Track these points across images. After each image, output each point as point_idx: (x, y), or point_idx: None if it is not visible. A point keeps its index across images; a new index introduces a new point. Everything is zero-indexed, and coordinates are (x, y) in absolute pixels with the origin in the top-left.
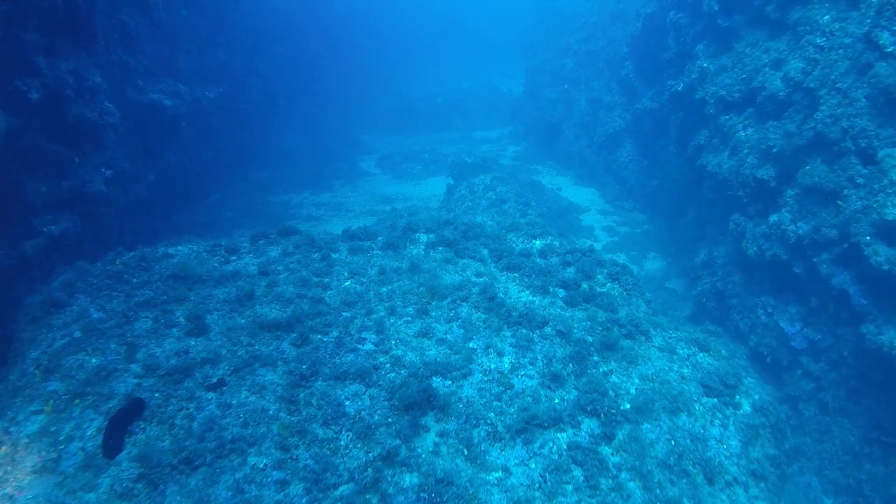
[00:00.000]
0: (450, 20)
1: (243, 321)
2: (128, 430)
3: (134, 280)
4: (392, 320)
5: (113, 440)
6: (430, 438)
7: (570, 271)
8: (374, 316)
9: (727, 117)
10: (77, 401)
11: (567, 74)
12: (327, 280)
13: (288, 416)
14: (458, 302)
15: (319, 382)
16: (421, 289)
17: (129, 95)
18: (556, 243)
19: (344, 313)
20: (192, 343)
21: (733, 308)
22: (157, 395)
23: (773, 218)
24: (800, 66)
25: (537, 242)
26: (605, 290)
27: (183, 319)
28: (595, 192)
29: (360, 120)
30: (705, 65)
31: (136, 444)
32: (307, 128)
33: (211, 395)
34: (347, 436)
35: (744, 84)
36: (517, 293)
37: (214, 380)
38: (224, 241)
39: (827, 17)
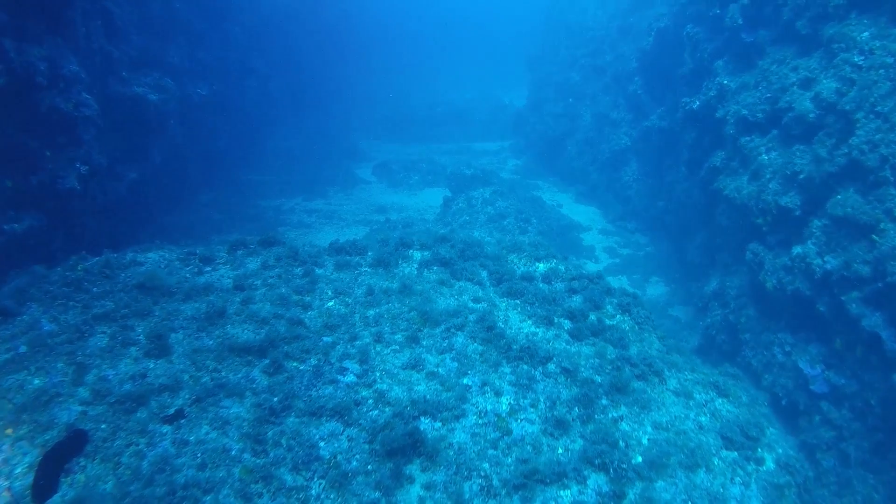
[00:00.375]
0: (455, 29)
1: (211, 342)
2: (65, 469)
3: (94, 289)
4: (378, 348)
5: (45, 480)
6: (415, 492)
7: (577, 300)
8: (358, 342)
9: (748, 138)
10: (9, 430)
11: (572, 89)
12: (308, 299)
13: (252, 459)
14: (452, 330)
15: (291, 418)
16: (412, 313)
17: (112, 87)
18: (562, 267)
19: (325, 338)
20: (151, 366)
21: (746, 344)
22: (103, 426)
23: (797, 250)
24: (833, 86)
25: (541, 266)
26: (614, 322)
27: (143, 338)
28: (597, 211)
29: (359, 125)
30: (725, 82)
31: (74, 485)
32: (304, 130)
33: (166, 428)
34: (320, 484)
35: (768, 104)
36: (518, 323)
37: (172, 410)
38: (200, 249)
39: (866, 35)
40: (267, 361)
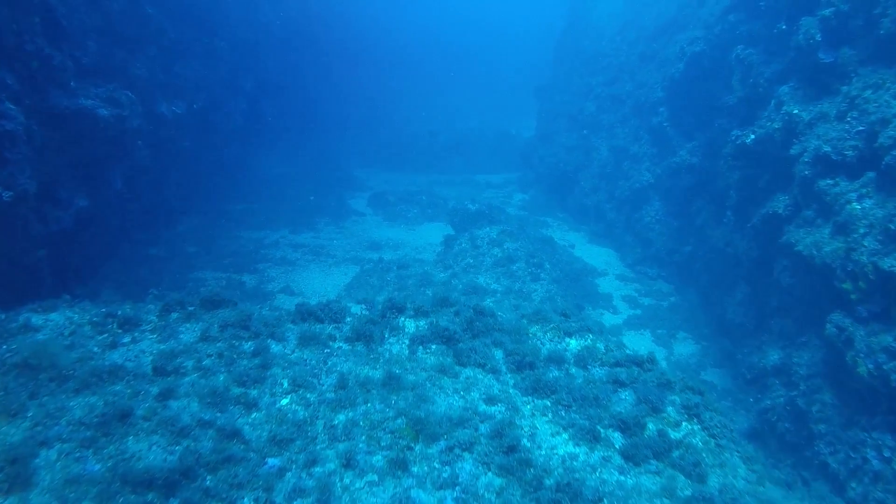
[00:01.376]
0: (459, 56)
1: (98, 468)
2: None
3: None
4: (347, 480)
5: None
6: None
7: (627, 398)
8: (317, 469)
9: (831, 182)
10: None
11: (587, 119)
12: (255, 393)
13: None
14: (456, 451)
15: None
16: (399, 420)
17: (53, 99)
18: (600, 346)
19: (270, 461)
20: None
21: (820, 437)
22: None
23: None
24: None
25: (573, 342)
26: (681, 435)
27: None
28: (612, 253)
29: (356, 152)
30: (795, 111)
31: None
32: (295, 156)
33: None
34: None
35: (862, 139)
36: (550, 438)
37: None
38: (124, 308)
39: None
40: None
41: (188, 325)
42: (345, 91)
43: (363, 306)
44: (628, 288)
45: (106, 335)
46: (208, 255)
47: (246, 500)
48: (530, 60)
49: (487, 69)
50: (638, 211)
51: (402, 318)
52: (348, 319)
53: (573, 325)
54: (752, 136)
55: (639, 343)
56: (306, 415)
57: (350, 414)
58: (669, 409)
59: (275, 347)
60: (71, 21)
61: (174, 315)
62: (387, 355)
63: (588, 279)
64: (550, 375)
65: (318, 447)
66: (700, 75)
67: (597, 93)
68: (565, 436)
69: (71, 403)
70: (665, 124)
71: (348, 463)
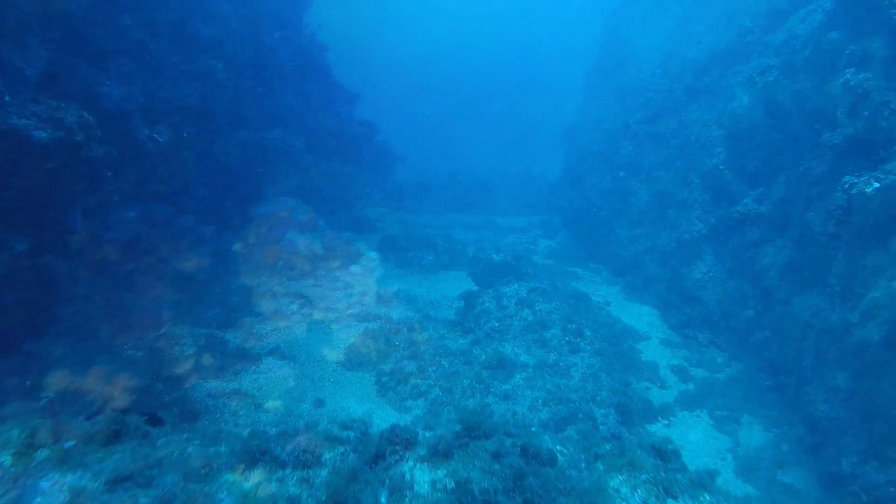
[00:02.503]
0: (482, 93)
1: None
2: None
3: None
4: None
5: None
6: None
7: None
8: None
9: None
10: None
11: (623, 160)
12: None
13: None
14: None
15: None
16: None
17: None
18: None
19: None
20: None
21: None
22: None
23: None
24: None
25: None
26: None
27: None
28: (654, 312)
29: (367, 191)
30: None
31: None
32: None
33: None
34: None
35: None
36: None
37: None
38: None
39: None
40: None
41: (55, 477)
42: (356, 127)
43: (351, 432)
44: (676, 356)
45: None
46: (192, 302)
47: None
48: (554, 97)
49: (510, 108)
50: (687, 266)
51: (409, 465)
52: (325, 464)
53: (678, 475)
54: (876, 185)
55: (696, 428)
56: None
57: None
58: None
59: None
60: (11, 18)
61: (42, 454)
62: None
63: (628, 342)
64: None
65: None
66: (774, 110)
67: (634, 130)
68: None
69: None
70: (722, 167)
71: None
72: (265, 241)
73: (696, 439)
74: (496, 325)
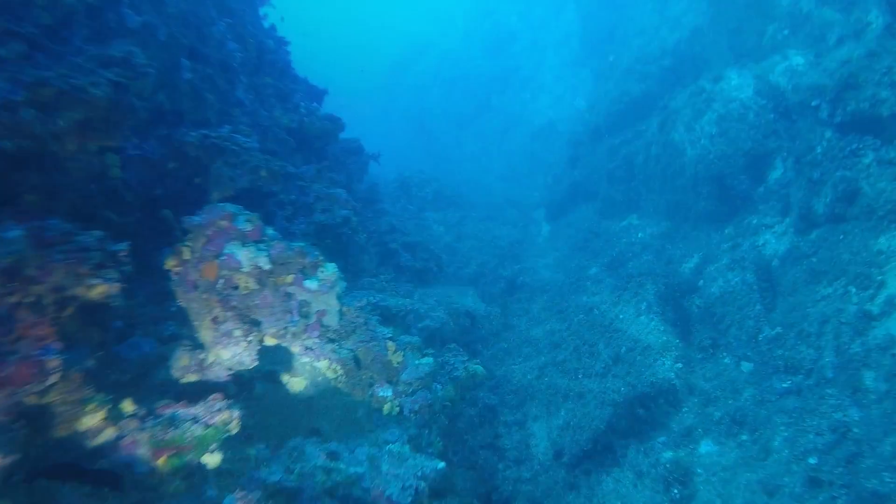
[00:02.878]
0: (457, 89)
1: None
2: None
3: None
4: None
5: None
6: None
7: None
8: None
9: None
10: None
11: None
12: None
13: None
14: None
15: None
16: None
17: None
18: None
19: None
20: None
21: None
22: None
23: None
24: None
25: None
26: None
27: None
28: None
29: (329, 195)
30: None
31: None
32: None
33: None
34: None
35: None
36: None
37: None
38: None
39: None
40: None
41: None
42: (321, 123)
43: None
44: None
45: None
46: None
47: None
48: (532, 90)
49: (486, 102)
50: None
51: None
52: None
53: None
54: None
55: None
56: None
57: None
58: None
59: None
60: None
61: None
62: None
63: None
64: None
65: None
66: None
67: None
68: None
69: None
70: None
71: None
72: (202, 257)
73: None
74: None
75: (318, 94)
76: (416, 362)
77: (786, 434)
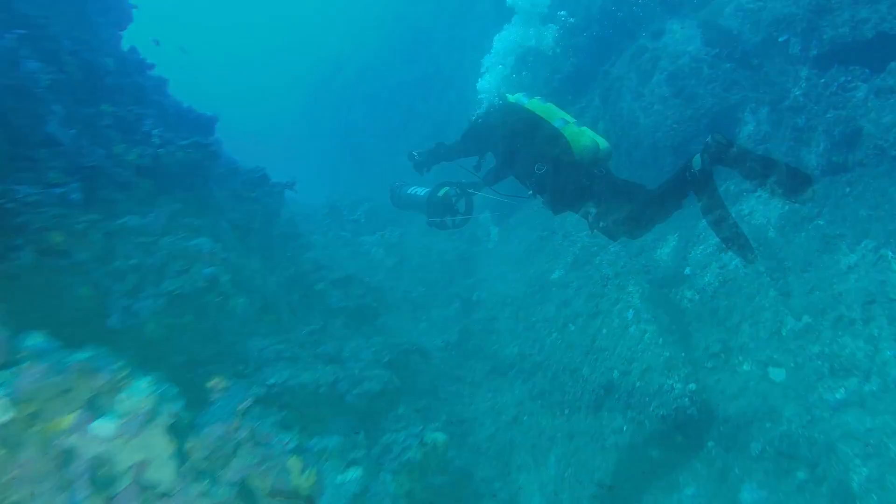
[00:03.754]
0: (381, 100)
1: None
2: None
3: None
4: None
5: None
6: None
7: None
8: None
9: None
10: None
11: None
12: None
13: None
14: None
15: None
16: None
17: None
18: None
19: None
20: None
21: None
22: None
23: None
24: None
25: None
26: None
27: None
28: None
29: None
30: None
31: None
32: None
33: None
34: None
35: None
36: None
37: None
38: None
39: None
40: None
41: None
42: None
43: None
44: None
45: None
46: None
47: None
48: (456, 90)
49: (410, 109)
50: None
51: None
52: None
53: None
54: None
55: None
56: None
57: None
58: None
59: None
60: None
61: None
62: None
63: None
64: None
65: None
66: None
67: None
68: None
69: None
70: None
71: None
72: None
73: None
74: None
75: (204, 123)
76: (339, 479)
77: (865, 471)
